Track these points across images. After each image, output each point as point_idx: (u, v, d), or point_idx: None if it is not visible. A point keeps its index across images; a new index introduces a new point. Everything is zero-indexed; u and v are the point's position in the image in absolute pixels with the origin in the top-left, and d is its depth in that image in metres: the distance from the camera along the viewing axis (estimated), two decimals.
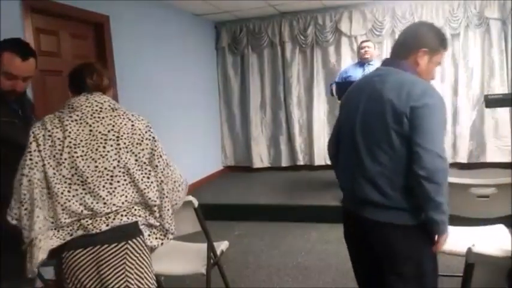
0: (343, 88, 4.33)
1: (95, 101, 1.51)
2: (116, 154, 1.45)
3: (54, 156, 1.43)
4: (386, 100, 1.40)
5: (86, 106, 1.49)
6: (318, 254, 3.30)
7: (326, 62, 5.70)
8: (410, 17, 5.24)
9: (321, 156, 5.80)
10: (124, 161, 1.46)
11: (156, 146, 1.54)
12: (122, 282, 1.47)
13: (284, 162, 6.00)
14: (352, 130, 1.49)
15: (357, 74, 4.48)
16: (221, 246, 2.41)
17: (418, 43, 1.52)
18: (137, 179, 1.48)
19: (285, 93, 5.89)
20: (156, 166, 1.54)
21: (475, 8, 5.02)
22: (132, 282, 1.49)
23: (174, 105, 4.86)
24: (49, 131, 1.45)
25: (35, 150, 1.44)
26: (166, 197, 1.56)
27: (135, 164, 1.49)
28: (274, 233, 3.86)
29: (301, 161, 5.92)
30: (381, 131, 1.41)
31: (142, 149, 1.50)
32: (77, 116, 1.47)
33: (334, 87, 4.48)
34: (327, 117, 5.79)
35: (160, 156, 1.56)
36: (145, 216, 1.54)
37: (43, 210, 1.42)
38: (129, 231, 1.48)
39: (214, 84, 6.10)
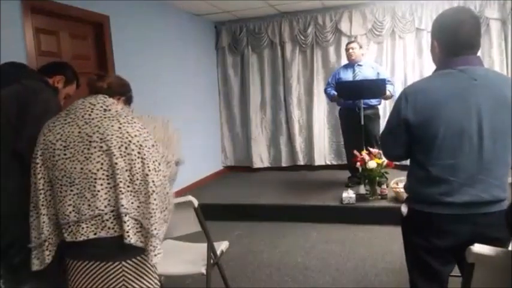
0: (345, 88, 4.34)
1: (89, 102, 1.49)
2: (99, 157, 1.42)
3: (49, 159, 1.45)
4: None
5: (80, 108, 1.48)
6: (318, 254, 3.28)
7: (326, 62, 5.70)
8: (410, 17, 5.24)
9: (321, 156, 5.80)
10: (107, 163, 1.42)
11: (140, 154, 1.43)
12: None
13: (284, 162, 6.01)
14: (476, 134, 1.42)
15: (347, 75, 4.45)
16: (221, 246, 2.41)
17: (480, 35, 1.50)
18: (117, 184, 1.41)
19: (285, 93, 5.89)
20: (137, 174, 1.42)
21: (475, 8, 5.01)
22: None
23: (173, 105, 4.85)
24: (44, 135, 1.48)
25: (37, 157, 1.48)
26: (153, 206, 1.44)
27: (119, 168, 1.41)
28: (274, 233, 3.86)
29: (301, 161, 5.93)
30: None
31: (127, 153, 1.42)
32: (71, 118, 1.47)
33: (331, 92, 4.47)
34: (326, 117, 5.79)
35: (146, 166, 1.44)
36: (136, 228, 1.44)
37: (48, 213, 1.47)
38: (125, 249, 1.43)
39: (214, 84, 6.10)
